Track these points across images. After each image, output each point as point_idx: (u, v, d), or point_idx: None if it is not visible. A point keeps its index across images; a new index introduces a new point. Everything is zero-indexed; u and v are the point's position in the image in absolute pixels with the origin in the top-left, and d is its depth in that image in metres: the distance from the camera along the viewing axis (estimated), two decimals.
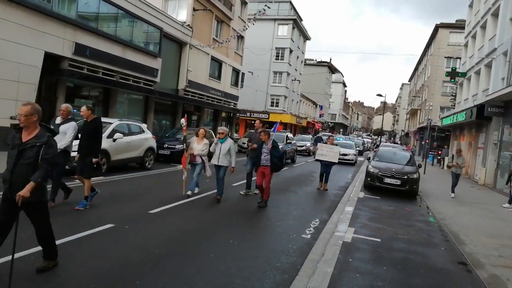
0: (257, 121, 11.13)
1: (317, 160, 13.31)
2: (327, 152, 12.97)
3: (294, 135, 42.39)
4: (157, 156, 14.87)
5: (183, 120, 10.06)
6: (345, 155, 24.16)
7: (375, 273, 5.52)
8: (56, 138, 6.77)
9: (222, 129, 9.61)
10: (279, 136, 20.26)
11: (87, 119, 7.39)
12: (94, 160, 7.41)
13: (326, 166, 13.00)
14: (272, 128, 11.46)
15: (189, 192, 9.29)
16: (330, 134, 53.20)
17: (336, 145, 13.94)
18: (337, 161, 13.13)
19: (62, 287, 4.13)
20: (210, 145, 9.63)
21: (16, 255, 4.73)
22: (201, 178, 9.75)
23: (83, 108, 7.39)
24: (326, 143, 14.21)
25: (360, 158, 29.85)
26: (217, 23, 29.04)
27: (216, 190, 9.42)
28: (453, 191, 14.08)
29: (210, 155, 9.45)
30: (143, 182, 11.08)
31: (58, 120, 7.43)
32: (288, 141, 21.52)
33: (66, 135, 7.18)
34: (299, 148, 26.34)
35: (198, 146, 9.43)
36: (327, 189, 12.97)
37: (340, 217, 8.84)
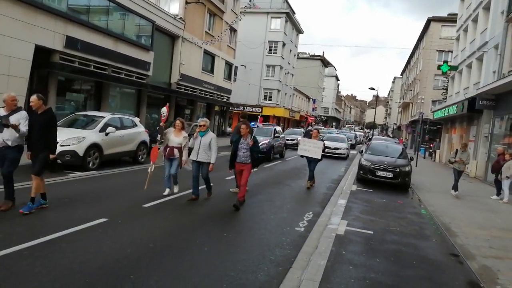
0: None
1: (302, 156, 12.25)
2: (309, 148, 11.82)
3: (286, 128, 42.53)
4: (150, 150, 14.79)
5: (164, 109, 8.86)
6: (337, 149, 23.71)
7: (368, 265, 5.57)
8: (7, 131, 6.20)
9: (203, 120, 8.50)
10: (267, 129, 19.50)
11: (38, 110, 6.46)
12: (52, 156, 6.59)
13: (310, 163, 12.01)
14: (256, 124, 9.94)
15: (166, 192, 8.62)
16: (317, 127, 53.20)
17: (322, 139, 12.94)
18: (319, 157, 11.81)
19: (55, 282, 4.10)
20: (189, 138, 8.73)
21: (10, 250, 4.75)
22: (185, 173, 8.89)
23: (33, 97, 6.45)
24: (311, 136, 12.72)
25: (353, 152, 29.95)
26: (210, 16, 28.88)
27: (202, 188, 8.71)
28: (454, 188, 12.89)
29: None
30: (136, 176, 11.04)
31: (1, 111, 6.37)
32: (276, 135, 20.04)
33: (20, 125, 6.29)
34: (290, 142, 25.16)
35: (176, 139, 8.52)
36: (309, 187, 11.86)
37: (333, 210, 8.89)
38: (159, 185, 8.83)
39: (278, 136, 20.47)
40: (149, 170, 8.67)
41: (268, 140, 18.14)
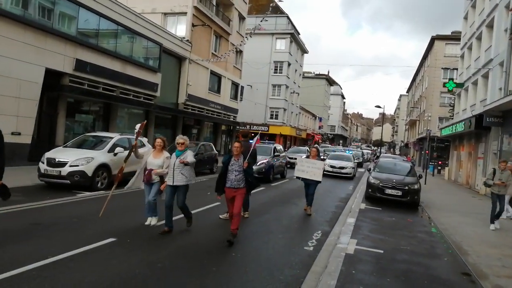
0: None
1: (297, 178, 10.91)
2: (308, 168, 10.52)
3: (291, 146, 42.38)
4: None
5: (137, 125, 7.71)
6: (342, 168, 22.25)
7: (378, 285, 5.49)
8: None
9: (182, 138, 7.18)
10: (266, 148, 18.04)
11: None
12: None
13: (309, 186, 10.63)
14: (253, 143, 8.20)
15: (147, 221, 7.62)
16: (324, 145, 52.52)
17: (323, 159, 11.58)
18: (320, 180, 10.49)
19: None
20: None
21: (19, 270, 4.76)
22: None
23: None
24: (308, 156, 11.18)
25: (360, 170, 29.74)
26: (216, 38, 29.34)
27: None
28: (492, 220, 10.42)
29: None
30: (144, 197, 11.03)
31: None
32: (276, 153, 18.52)
33: None
34: (293, 161, 23.22)
35: (155, 161, 7.31)
36: (311, 213, 10.46)
37: (342, 229, 8.80)
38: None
39: (279, 155, 19.07)
40: (109, 194, 7.68)
41: (267, 159, 16.86)
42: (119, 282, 4.74)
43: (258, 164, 15.47)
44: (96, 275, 4.88)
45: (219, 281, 5.07)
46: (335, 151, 29.64)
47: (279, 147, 20.75)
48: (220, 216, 8.92)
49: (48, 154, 11.00)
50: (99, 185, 11.15)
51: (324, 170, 11.25)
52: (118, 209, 9.04)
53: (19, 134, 13.74)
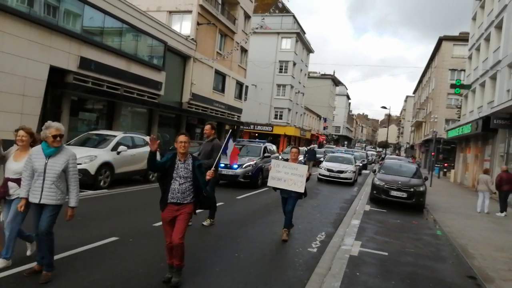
0: (207, 126, 7.45)
1: (275, 189, 7.89)
2: (285, 175, 7.44)
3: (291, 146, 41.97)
4: None
5: None
6: (341, 172, 19.33)
7: (383, 287, 5.41)
8: None
9: (55, 127, 4.59)
10: (254, 147, 15.97)
11: None
12: None
13: (286, 199, 7.70)
14: (224, 148, 6.48)
15: (28, 251, 5.31)
16: (329, 146, 51.57)
17: (312, 161, 8.48)
18: (302, 191, 7.43)
19: None
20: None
21: (23, 267, 4.73)
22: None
23: None
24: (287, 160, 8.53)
25: (365, 171, 29.53)
26: (221, 36, 29.28)
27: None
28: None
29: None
30: (147, 195, 11.02)
31: None
32: (266, 154, 15.68)
33: None
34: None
35: (14, 164, 4.88)
36: (287, 239, 7.45)
37: (346, 231, 8.72)
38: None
39: (269, 156, 15.75)
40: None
41: (255, 161, 14.56)
42: (122, 281, 4.71)
43: (244, 166, 13.96)
44: (100, 274, 4.85)
45: (222, 282, 5.01)
46: (334, 152, 26.80)
47: (272, 147, 18.25)
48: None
49: None
50: (102, 183, 11.13)
51: (320, 174, 9.50)
52: (121, 208, 9.02)
53: None
